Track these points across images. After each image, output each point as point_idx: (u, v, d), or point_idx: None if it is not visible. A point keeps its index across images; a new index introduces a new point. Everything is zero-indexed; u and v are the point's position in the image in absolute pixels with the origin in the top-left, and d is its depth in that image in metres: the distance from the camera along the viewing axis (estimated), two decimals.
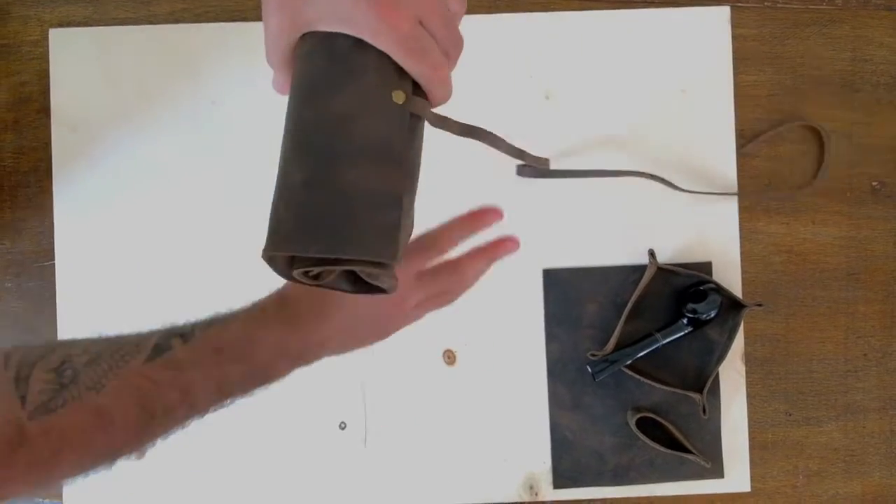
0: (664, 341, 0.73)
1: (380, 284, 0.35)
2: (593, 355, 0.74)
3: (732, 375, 0.76)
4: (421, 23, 0.34)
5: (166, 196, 0.75)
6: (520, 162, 0.67)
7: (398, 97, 0.34)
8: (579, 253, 0.76)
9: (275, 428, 0.74)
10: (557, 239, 0.76)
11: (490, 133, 0.43)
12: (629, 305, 0.74)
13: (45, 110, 0.75)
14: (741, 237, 0.76)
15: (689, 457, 0.73)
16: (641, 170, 0.74)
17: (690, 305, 0.73)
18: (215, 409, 0.47)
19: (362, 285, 0.37)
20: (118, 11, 0.76)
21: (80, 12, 0.75)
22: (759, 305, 0.74)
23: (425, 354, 0.75)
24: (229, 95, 0.75)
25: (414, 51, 0.34)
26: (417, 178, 0.37)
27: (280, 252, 0.33)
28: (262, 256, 0.34)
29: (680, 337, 0.74)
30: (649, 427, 0.74)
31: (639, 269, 0.75)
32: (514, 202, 0.75)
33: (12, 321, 0.75)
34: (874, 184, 0.77)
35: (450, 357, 0.75)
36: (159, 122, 0.75)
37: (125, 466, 0.74)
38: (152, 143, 0.75)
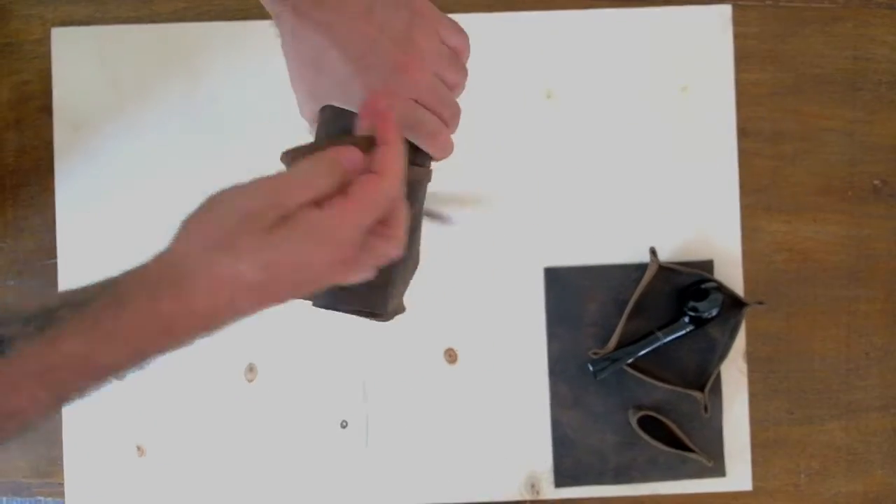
0: (665, 340, 0.73)
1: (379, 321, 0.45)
2: (595, 353, 0.74)
3: (734, 374, 0.76)
4: (419, 101, 0.40)
5: (168, 194, 0.75)
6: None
7: None
8: (581, 251, 0.76)
9: (276, 427, 0.74)
10: (559, 237, 0.76)
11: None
12: (630, 304, 0.74)
13: (47, 109, 0.75)
14: (743, 235, 0.76)
15: (691, 455, 0.73)
16: (643, 170, 0.74)
17: (692, 304, 0.73)
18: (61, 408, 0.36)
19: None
20: (120, 10, 0.76)
21: (82, 11, 0.76)
22: (761, 304, 0.74)
23: (426, 353, 0.75)
24: (231, 94, 0.75)
25: (410, 126, 0.40)
26: (419, 227, 0.45)
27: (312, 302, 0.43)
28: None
29: (681, 335, 0.74)
30: (651, 426, 0.74)
31: (640, 268, 0.75)
32: (515, 201, 0.75)
33: None
34: (876, 182, 0.77)
35: (451, 356, 0.75)
36: (161, 121, 0.75)
37: (126, 466, 0.74)
38: (154, 141, 0.75)
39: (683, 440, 0.74)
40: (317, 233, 0.33)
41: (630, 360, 0.73)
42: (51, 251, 0.75)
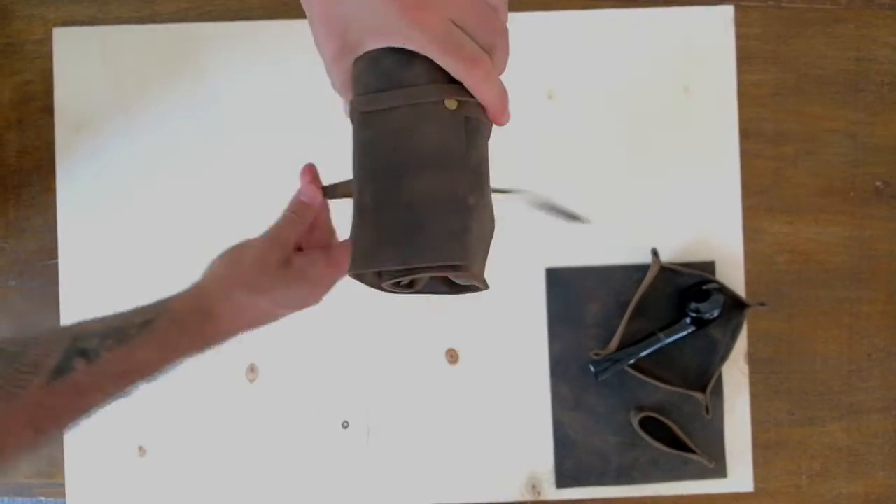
0: (667, 341, 0.73)
1: (469, 284, 0.38)
2: (596, 354, 0.74)
3: (735, 375, 0.76)
4: (455, 21, 0.34)
5: (170, 194, 0.75)
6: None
7: (451, 104, 0.35)
8: (582, 252, 0.76)
9: (277, 427, 0.74)
10: (560, 238, 0.76)
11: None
12: (632, 305, 0.74)
13: (49, 109, 0.75)
14: (744, 236, 0.76)
15: (692, 456, 0.73)
16: (645, 171, 0.74)
17: (693, 305, 0.73)
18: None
19: (459, 287, 0.39)
20: (122, 10, 0.76)
21: (84, 11, 0.76)
22: (763, 305, 0.74)
23: (428, 353, 0.75)
24: (233, 94, 0.75)
25: (447, 48, 0.34)
26: (487, 178, 0.38)
27: (360, 270, 0.36)
28: (349, 274, 0.37)
29: (683, 336, 0.74)
30: (652, 426, 0.74)
31: (642, 269, 0.75)
32: (516, 201, 0.75)
33: (16, 319, 0.75)
34: (878, 183, 0.77)
35: (452, 356, 0.75)
36: (163, 120, 0.75)
37: (127, 466, 0.74)
38: (155, 141, 0.75)
39: (685, 441, 0.74)
40: (306, 276, 0.49)
41: (631, 361, 0.73)
42: (52, 251, 0.75)
